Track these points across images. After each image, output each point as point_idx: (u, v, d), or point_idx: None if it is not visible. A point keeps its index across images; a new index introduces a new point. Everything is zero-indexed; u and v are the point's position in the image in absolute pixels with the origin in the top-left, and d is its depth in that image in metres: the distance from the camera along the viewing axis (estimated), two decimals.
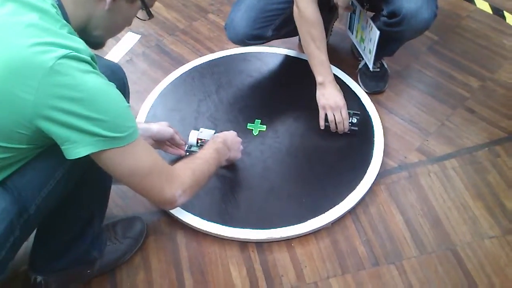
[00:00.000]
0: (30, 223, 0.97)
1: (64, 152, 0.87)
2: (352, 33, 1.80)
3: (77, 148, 0.86)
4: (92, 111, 0.83)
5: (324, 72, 1.58)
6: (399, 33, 1.55)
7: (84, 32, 0.97)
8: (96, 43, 1.03)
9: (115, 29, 1.05)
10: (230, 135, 1.43)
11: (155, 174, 0.98)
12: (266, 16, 1.63)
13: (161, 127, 1.46)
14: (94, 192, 1.16)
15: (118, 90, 0.90)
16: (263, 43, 1.75)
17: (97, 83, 0.85)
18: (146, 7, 1.03)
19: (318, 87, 1.60)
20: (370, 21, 1.59)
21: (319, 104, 1.60)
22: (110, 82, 0.89)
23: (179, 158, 1.52)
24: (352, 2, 1.67)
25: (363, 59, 1.81)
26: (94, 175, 1.06)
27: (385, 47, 1.67)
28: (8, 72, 0.79)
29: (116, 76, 1.13)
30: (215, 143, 1.32)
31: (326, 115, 1.60)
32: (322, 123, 1.61)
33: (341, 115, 1.58)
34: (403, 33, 1.56)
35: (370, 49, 1.64)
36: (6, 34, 0.81)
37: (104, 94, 0.86)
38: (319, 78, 1.58)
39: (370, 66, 1.70)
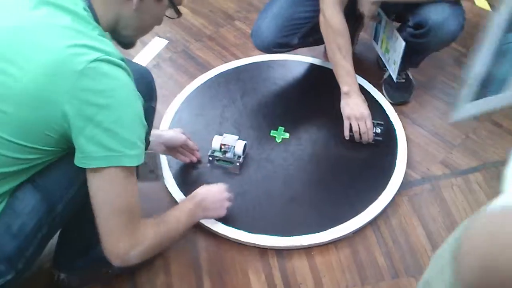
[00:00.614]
0: (57, 221, 0.99)
1: (75, 158, 0.90)
2: (377, 44, 1.80)
3: (90, 161, 0.88)
4: (114, 123, 0.85)
5: (350, 82, 1.58)
6: (424, 45, 1.55)
7: (114, 32, 0.99)
8: (126, 42, 1.05)
9: (144, 28, 1.06)
10: (212, 195, 1.33)
11: (125, 217, 0.95)
12: (292, 24, 1.64)
13: (173, 134, 1.47)
14: None
15: (141, 105, 0.91)
16: (289, 50, 1.76)
17: (124, 92, 0.87)
18: (174, 5, 1.04)
19: (343, 96, 1.60)
20: (396, 32, 1.59)
21: (343, 114, 1.60)
22: (137, 93, 0.90)
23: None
24: (378, 12, 1.66)
25: (388, 69, 1.80)
26: None
27: (410, 58, 1.66)
28: (47, 74, 0.82)
29: (145, 80, 1.15)
30: (191, 202, 1.25)
31: (350, 125, 1.59)
32: (346, 133, 1.61)
33: (366, 125, 1.57)
34: (429, 45, 1.55)
35: (394, 60, 1.64)
36: (43, 36, 0.83)
37: (129, 107, 0.87)
38: (344, 88, 1.58)
39: (394, 77, 1.69)
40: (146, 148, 0.98)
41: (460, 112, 0.87)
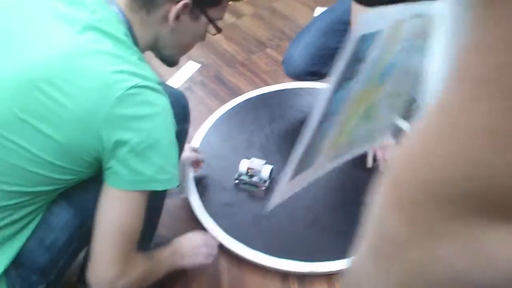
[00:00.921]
0: (87, 236, 1.02)
1: (104, 176, 0.91)
2: None
3: (119, 182, 0.89)
4: (148, 149, 0.87)
5: None
6: None
7: (155, 51, 1.03)
8: (168, 61, 1.09)
9: (184, 46, 1.08)
10: (188, 243, 1.27)
11: (124, 242, 0.93)
12: (324, 53, 1.67)
13: (187, 154, 1.48)
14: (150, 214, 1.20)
15: (174, 134, 0.93)
16: (319, 79, 1.79)
17: (161, 119, 0.89)
18: (213, 22, 1.04)
19: None
20: None
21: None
22: (173, 118, 0.92)
23: None
24: None
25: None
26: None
27: None
28: (90, 100, 0.84)
29: (180, 104, 1.17)
30: (172, 246, 1.23)
31: (375, 154, 1.60)
32: (370, 161, 1.62)
33: (389, 154, 1.58)
34: None
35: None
36: (88, 62, 0.86)
37: (165, 132, 0.90)
38: None
39: None
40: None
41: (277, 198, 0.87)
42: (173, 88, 1.25)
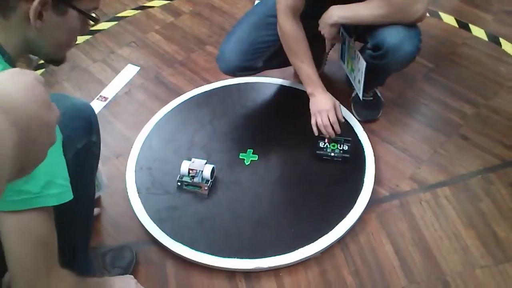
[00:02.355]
0: None
1: None
2: (344, 63, 1.82)
3: (5, 204, 0.83)
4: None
5: (311, 84, 1.62)
6: (384, 66, 1.57)
7: (35, 54, 0.96)
8: (53, 61, 1.03)
9: (63, 43, 1.00)
10: (123, 285, 1.21)
11: (39, 258, 0.89)
12: (256, 48, 1.66)
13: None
14: (73, 227, 1.17)
15: (60, 139, 0.88)
16: (254, 73, 1.78)
17: None
18: (84, 13, 0.97)
19: (310, 98, 1.64)
20: (358, 52, 1.62)
21: (311, 112, 1.64)
22: (57, 130, 0.86)
23: None
24: (341, 33, 1.69)
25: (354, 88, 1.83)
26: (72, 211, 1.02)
27: (374, 78, 1.68)
28: None
29: (83, 114, 1.13)
30: (103, 279, 1.20)
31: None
32: (314, 129, 1.64)
33: (329, 118, 1.60)
34: (387, 66, 1.57)
35: (359, 79, 1.66)
36: None
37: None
38: (308, 90, 1.63)
39: (360, 96, 1.71)
40: None
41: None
42: (78, 99, 1.18)
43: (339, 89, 1.95)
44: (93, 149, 1.20)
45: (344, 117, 1.64)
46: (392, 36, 1.47)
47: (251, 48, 1.65)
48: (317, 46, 1.69)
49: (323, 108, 1.60)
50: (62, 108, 0.92)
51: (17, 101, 0.46)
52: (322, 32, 1.57)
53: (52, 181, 0.86)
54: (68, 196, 0.90)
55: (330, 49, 1.96)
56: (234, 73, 1.72)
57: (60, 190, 0.88)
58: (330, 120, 1.60)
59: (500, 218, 1.50)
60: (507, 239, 1.44)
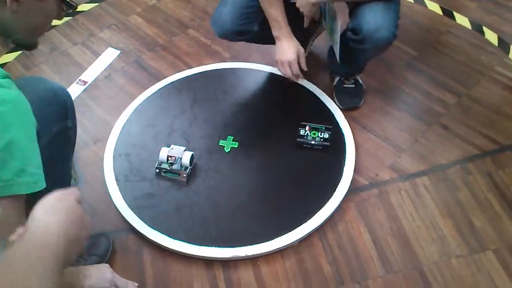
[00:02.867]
0: None
1: None
2: (325, 24, 1.80)
3: None
4: (3, 152, 0.80)
5: (278, 27, 1.62)
6: (362, 50, 1.57)
7: (8, 37, 0.95)
8: (25, 45, 1.01)
9: (38, 27, 0.99)
10: (99, 274, 1.14)
11: None
12: (250, 12, 1.64)
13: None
14: None
15: (34, 130, 0.86)
16: (251, 37, 1.74)
17: (12, 119, 0.82)
18: None
19: (276, 41, 1.65)
20: (335, 12, 1.61)
21: (275, 59, 1.67)
22: (31, 116, 0.86)
23: None
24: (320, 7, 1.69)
25: (338, 75, 1.82)
26: None
27: (354, 62, 1.69)
28: None
29: (59, 99, 1.11)
30: (78, 268, 1.13)
31: None
32: (281, 73, 1.70)
33: (291, 69, 1.64)
34: (366, 50, 1.57)
35: (336, 40, 1.65)
36: None
37: (21, 134, 0.83)
38: (274, 33, 1.64)
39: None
40: None
41: None
42: (53, 83, 1.16)
43: (320, 76, 1.93)
44: (69, 134, 1.18)
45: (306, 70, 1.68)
46: (369, 23, 1.47)
47: (246, 12, 1.63)
48: (301, 32, 1.67)
49: (285, 58, 1.62)
50: (37, 92, 0.89)
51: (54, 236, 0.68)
52: (301, 10, 1.56)
53: (24, 169, 0.84)
54: (41, 185, 0.88)
55: (308, 25, 1.94)
56: (229, 37, 1.70)
57: (33, 179, 0.86)
58: (293, 73, 1.64)
59: (477, 208, 1.51)
60: (482, 228, 1.45)
